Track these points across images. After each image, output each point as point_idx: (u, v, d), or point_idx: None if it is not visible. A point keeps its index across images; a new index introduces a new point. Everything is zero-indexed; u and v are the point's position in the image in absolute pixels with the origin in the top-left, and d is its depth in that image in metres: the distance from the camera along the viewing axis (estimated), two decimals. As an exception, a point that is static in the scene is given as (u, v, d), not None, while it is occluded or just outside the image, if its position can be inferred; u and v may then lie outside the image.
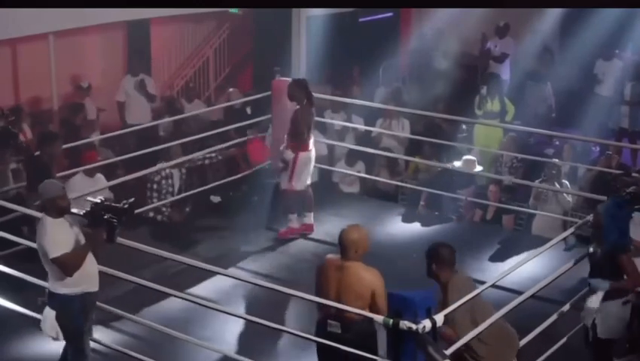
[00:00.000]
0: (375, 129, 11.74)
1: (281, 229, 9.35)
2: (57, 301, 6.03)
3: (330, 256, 6.04)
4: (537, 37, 13.56)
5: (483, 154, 11.06)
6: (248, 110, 11.54)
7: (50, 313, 6.06)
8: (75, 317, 6.05)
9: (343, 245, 5.83)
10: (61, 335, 6.08)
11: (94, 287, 6.12)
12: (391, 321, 4.94)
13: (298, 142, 9.04)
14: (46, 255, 5.89)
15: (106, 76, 12.43)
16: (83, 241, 5.98)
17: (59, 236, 5.90)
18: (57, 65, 10.04)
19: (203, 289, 7.75)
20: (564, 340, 6.68)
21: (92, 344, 6.63)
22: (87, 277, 6.03)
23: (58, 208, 5.93)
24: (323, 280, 5.84)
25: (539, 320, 6.62)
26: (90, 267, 6.05)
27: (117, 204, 6.00)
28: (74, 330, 6.09)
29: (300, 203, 9.33)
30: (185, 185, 9.82)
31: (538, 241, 8.39)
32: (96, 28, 11.52)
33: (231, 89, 12.59)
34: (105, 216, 5.91)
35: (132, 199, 6.10)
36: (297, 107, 9.01)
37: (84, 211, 6.01)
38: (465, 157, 10.37)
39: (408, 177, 11.07)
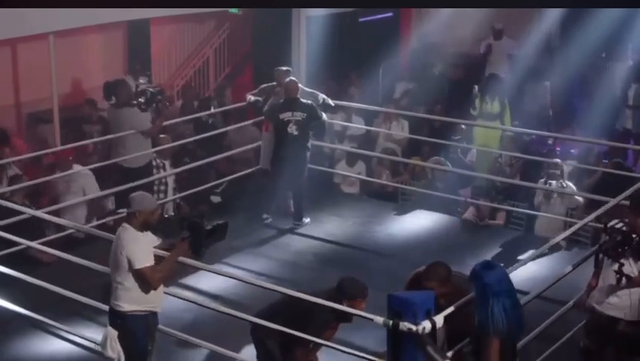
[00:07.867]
0: (374, 129, 11.73)
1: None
2: (121, 319, 5.68)
3: None
4: (538, 38, 13.55)
5: (481, 154, 11.05)
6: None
7: (111, 333, 5.69)
8: (141, 338, 5.71)
9: None
10: (123, 357, 5.69)
11: (159, 307, 5.84)
12: (391, 322, 4.93)
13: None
14: (127, 265, 5.59)
15: (106, 76, 12.41)
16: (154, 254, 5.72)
17: (146, 247, 5.65)
18: (57, 65, 10.03)
19: (203, 288, 7.75)
20: (564, 340, 6.67)
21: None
22: (157, 295, 5.76)
23: (146, 223, 5.69)
24: None
25: (539, 320, 6.62)
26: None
27: (200, 222, 5.70)
28: (140, 352, 5.73)
29: None
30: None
31: (540, 241, 8.38)
32: (95, 28, 11.53)
33: None
34: (185, 233, 5.67)
35: (224, 222, 5.80)
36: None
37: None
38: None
39: (407, 178, 11.07)
